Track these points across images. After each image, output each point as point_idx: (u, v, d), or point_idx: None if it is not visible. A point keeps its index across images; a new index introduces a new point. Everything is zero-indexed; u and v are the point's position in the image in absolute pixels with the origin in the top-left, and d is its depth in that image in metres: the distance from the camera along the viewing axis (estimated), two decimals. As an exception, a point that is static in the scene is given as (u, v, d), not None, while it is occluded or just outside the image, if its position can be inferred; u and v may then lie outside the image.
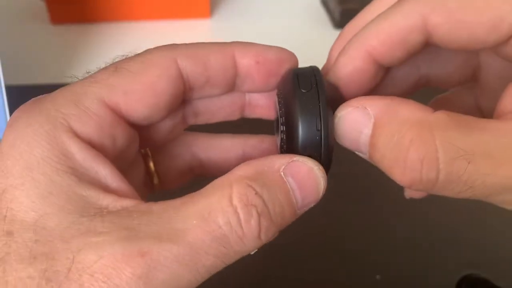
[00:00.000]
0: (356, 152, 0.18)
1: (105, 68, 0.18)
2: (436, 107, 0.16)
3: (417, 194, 0.22)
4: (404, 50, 0.18)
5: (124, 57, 0.19)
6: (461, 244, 0.35)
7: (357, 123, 0.17)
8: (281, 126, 0.19)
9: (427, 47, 0.19)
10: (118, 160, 0.18)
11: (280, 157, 0.17)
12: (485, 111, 0.22)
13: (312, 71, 0.18)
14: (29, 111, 0.17)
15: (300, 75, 0.18)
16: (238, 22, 0.59)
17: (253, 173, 0.16)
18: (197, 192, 0.16)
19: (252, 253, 0.16)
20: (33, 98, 0.18)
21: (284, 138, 0.18)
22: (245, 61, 0.19)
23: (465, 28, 0.16)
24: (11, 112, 0.39)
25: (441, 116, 0.16)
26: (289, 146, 0.18)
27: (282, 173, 0.17)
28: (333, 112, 0.18)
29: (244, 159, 0.22)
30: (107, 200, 0.16)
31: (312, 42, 0.56)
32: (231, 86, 0.20)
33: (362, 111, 0.17)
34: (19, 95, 0.45)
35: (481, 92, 0.21)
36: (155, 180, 0.23)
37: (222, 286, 0.32)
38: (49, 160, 0.16)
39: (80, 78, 0.19)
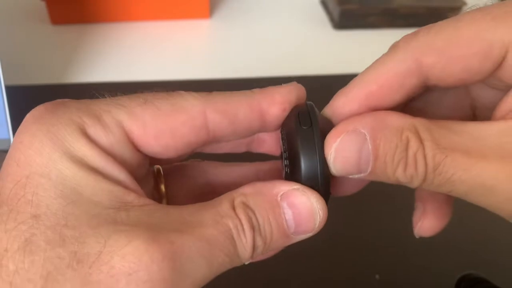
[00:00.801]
0: (353, 176, 0.19)
1: (136, 97, 0.19)
2: None
3: (427, 233, 0.23)
4: (402, 94, 0.19)
5: (156, 92, 0.19)
6: (460, 243, 0.35)
7: (355, 144, 0.18)
8: (285, 161, 0.20)
9: (422, 95, 0.20)
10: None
11: (283, 183, 0.19)
12: None
13: (308, 108, 0.20)
14: (54, 110, 0.18)
15: (301, 113, 0.19)
16: (238, 22, 0.59)
17: (252, 192, 0.18)
18: (206, 202, 0.18)
19: (246, 263, 0.18)
20: (59, 99, 0.19)
21: (289, 171, 0.20)
22: (274, 111, 0.20)
23: (458, 63, 0.17)
24: (11, 112, 0.39)
25: (421, 119, 0.17)
26: (292, 178, 0.19)
27: (279, 198, 0.18)
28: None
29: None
30: (130, 196, 0.17)
31: (311, 42, 0.56)
32: (256, 131, 0.21)
33: (355, 132, 0.18)
34: (19, 95, 0.45)
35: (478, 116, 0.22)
36: (164, 203, 0.23)
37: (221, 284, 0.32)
38: (72, 158, 0.17)
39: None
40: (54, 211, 0.16)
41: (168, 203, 0.23)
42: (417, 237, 0.23)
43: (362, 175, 0.18)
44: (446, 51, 0.17)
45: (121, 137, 0.18)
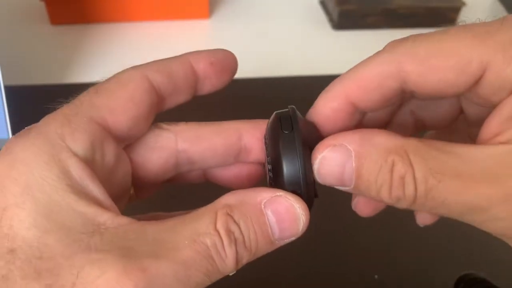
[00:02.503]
0: (338, 187, 0.19)
1: (87, 92, 0.20)
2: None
3: (428, 221, 0.24)
4: (380, 95, 0.19)
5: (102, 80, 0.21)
6: (459, 243, 0.35)
7: (339, 159, 0.18)
8: (269, 165, 0.20)
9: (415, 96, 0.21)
10: (108, 182, 0.20)
11: (265, 190, 0.19)
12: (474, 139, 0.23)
13: (289, 112, 0.20)
14: (25, 135, 0.18)
15: (282, 117, 0.20)
16: (237, 22, 0.59)
17: (235, 203, 0.19)
18: (186, 215, 0.18)
19: (231, 274, 0.18)
20: (26, 128, 0.19)
21: (272, 176, 0.20)
22: (201, 65, 0.22)
23: (436, 73, 0.18)
24: (10, 113, 0.39)
25: (412, 141, 0.18)
26: (276, 183, 0.20)
27: (262, 206, 0.19)
28: (311, 149, 0.19)
29: (238, 147, 0.23)
30: (104, 217, 0.17)
31: (310, 43, 0.57)
32: (194, 89, 0.23)
33: (341, 147, 0.18)
34: (19, 96, 0.45)
35: (469, 123, 0.23)
36: (131, 190, 0.23)
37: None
38: (48, 180, 0.17)
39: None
40: (29, 243, 0.16)
41: (141, 180, 0.23)
42: (421, 226, 0.24)
43: (346, 188, 0.19)
44: (426, 60, 0.18)
45: (96, 130, 0.19)
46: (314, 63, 0.53)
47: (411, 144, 0.17)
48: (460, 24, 0.18)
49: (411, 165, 0.17)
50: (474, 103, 0.19)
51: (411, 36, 0.19)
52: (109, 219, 0.17)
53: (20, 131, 0.19)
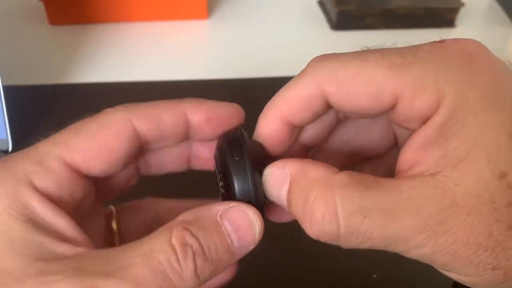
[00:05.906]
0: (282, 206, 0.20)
1: (67, 130, 0.21)
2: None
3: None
4: (310, 113, 0.20)
5: (85, 119, 0.21)
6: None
7: (278, 180, 0.20)
8: (220, 182, 0.21)
9: (349, 124, 0.23)
10: (76, 211, 0.20)
11: (219, 203, 0.20)
12: None
13: (238, 136, 0.21)
14: (1, 165, 0.19)
15: (231, 142, 0.21)
16: (236, 23, 0.59)
17: (191, 218, 0.19)
18: (143, 238, 0.19)
19: None
20: (2, 158, 0.20)
21: (224, 192, 0.21)
22: (197, 118, 0.22)
23: (353, 98, 0.19)
24: (8, 112, 0.39)
25: (342, 176, 0.18)
26: (228, 199, 0.21)
27: (218, 217, 0.19)
28: (261, 169, 0.21)
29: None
30: (62, 248, 0.18)
31: (309, 43, 0.57)
32: (184, 138, 0.23)
33: (282, 170, 0.20)
34: (17, 95, 0.45)
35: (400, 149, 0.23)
36: (116, 240, 0.25)
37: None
38: (10, 210, 0.18)
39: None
40: None
41: (122, 240, 0.24)
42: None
43: (288, 210, 0.20)
44: (345, 85, 0.19)
45: (66, 171, 0.20)
46: (313, 63, 0.53)
47: (340, 178, 0.18)
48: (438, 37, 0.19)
49: (334, 200, 0.18)
50: (400, 127, 0.20)
51: (333, 55, 0.19)
52: (67, 249, 0.18)
53: None
